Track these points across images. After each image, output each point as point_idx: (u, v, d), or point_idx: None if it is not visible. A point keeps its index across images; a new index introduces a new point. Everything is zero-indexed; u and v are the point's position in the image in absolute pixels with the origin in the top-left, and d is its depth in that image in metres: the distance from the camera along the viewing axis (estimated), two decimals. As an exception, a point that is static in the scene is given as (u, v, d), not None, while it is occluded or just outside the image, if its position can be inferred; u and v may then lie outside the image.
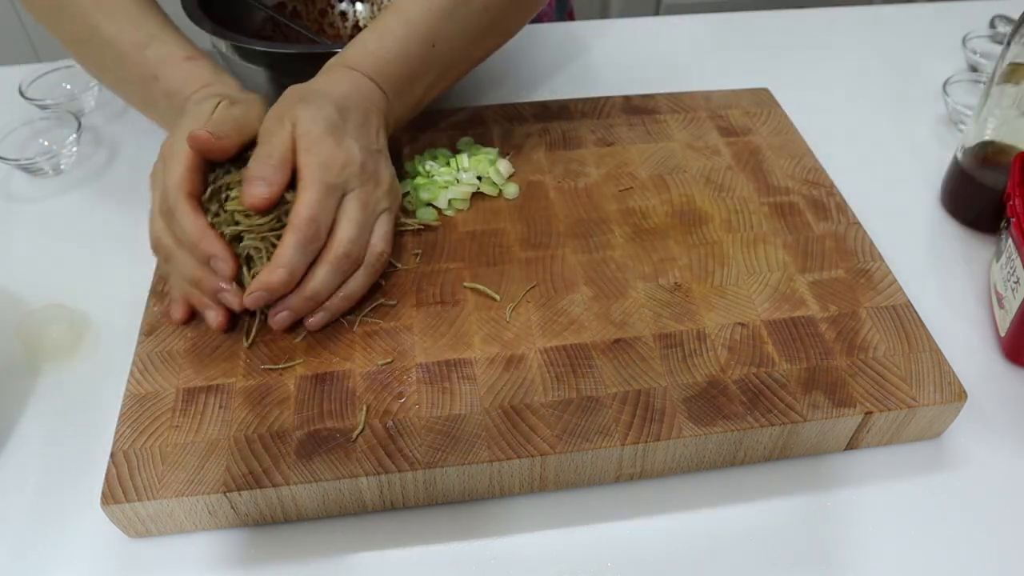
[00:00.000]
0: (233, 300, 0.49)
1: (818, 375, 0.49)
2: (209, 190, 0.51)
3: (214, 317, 0.50)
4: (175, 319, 0.52)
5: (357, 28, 0.81)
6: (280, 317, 0.50)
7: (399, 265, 0.55)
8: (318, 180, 0.49)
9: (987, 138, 0.62)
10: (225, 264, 0.49)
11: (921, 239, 0.64)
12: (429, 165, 0.62)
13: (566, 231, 0.58)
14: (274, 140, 0.50)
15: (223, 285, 0.49)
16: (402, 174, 0.62)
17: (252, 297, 0.48)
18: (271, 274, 0.48)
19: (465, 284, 0.54)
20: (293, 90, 0.54)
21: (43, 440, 0.50)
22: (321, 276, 0.50)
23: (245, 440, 0.46)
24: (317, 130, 0.50)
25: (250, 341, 0.51)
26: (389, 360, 0.50)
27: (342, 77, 0.54)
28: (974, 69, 0.81)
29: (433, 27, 0.56)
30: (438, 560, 0.45)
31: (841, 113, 0.77)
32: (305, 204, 0.48)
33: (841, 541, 0.46)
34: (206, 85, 0.56)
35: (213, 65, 0.58)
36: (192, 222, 0.49)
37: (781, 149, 0.66)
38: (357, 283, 0.51)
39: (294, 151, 0.50)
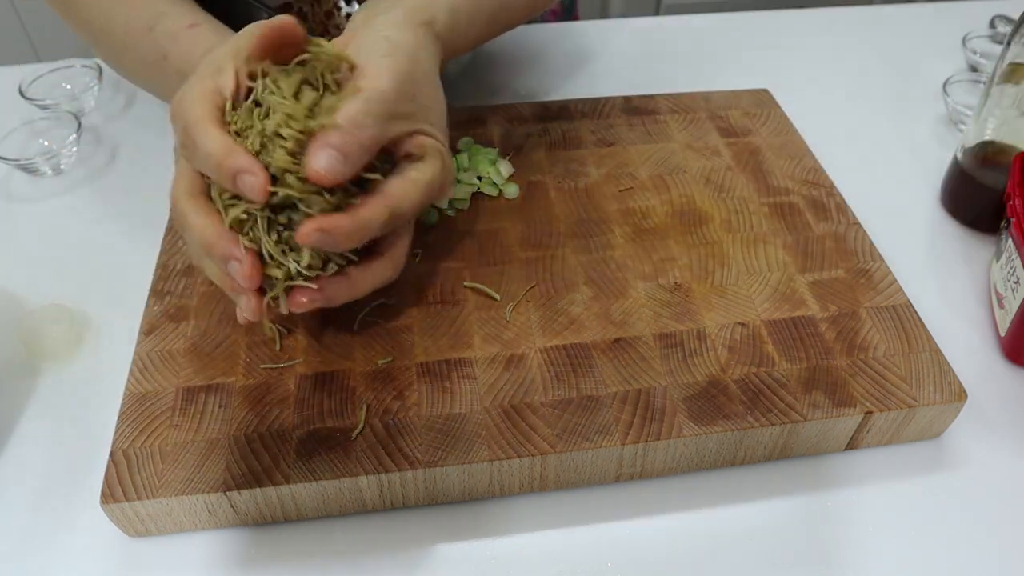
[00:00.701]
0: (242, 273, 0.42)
1: (818, 375, 0.49)
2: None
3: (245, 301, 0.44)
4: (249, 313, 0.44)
5: None
6: (309, 303, 0.44)
7: None
8: (429, 188, 0.46)
9: (987, 138, 0.62)
10: (255, 178, 0.40)
11: (921, 239, 0.64)
12: (429, 165, 0.62)
13: (566, 231, 0.58)
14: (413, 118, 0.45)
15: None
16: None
17: (313, 236, 0.41)
18: (350, 226, 0.41)
19: (465, 284, 0.54)
20: (410, 50, 0.46)
21: (43, 440, 0.50)
22: (371, 284, 0.46)
23: (245, 439, 0.46)
24: (444, 129, 0.48)
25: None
26: (389, 359, 0.50)
27: (434, 45, 0.51)
28: (974, 69, 0.81)
29: None
30: (438, 560, 0.45)
31: (841, 113, 0.77)
32: (420, 197, 0.45)
33: (841, 541, 0.46)
34: (211, 50, 0.48)
35: (218, 27, 0.55)
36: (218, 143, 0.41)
37: (781, 149, 0.66)
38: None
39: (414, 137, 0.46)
